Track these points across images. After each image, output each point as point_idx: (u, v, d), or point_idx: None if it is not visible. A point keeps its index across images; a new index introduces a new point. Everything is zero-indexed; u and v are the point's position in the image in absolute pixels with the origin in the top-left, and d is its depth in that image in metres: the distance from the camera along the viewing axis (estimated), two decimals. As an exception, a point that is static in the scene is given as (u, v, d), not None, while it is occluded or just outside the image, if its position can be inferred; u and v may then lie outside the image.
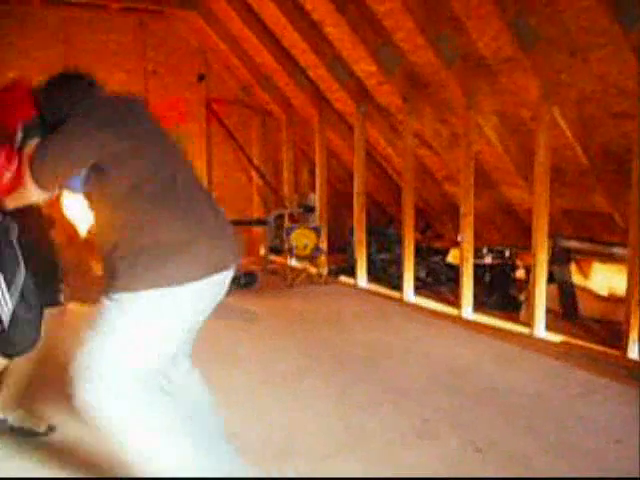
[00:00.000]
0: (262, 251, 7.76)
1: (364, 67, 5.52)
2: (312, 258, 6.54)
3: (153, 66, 7.22)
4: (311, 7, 5.29)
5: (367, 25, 4.95)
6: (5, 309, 2.37)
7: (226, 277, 2.05)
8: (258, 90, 7.33)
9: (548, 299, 4.40)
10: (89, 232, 6.30)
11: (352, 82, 5.82)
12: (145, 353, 1.95)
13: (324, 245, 6.65)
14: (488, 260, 5.40)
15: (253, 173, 7.89)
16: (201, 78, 7.43)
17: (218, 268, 1.98)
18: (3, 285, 2.36)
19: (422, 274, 6.04)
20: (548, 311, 4.39)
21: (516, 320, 4.74)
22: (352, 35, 5.07)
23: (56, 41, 6.76)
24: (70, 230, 6.27)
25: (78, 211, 6.27)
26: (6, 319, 2.38)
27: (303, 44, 5.75)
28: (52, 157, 1.91)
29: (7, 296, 2.38)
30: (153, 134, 2.03)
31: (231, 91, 7.66)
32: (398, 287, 5.66)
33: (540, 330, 4.33)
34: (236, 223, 7.08)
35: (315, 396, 3.35)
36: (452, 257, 6.13)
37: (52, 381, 2.71)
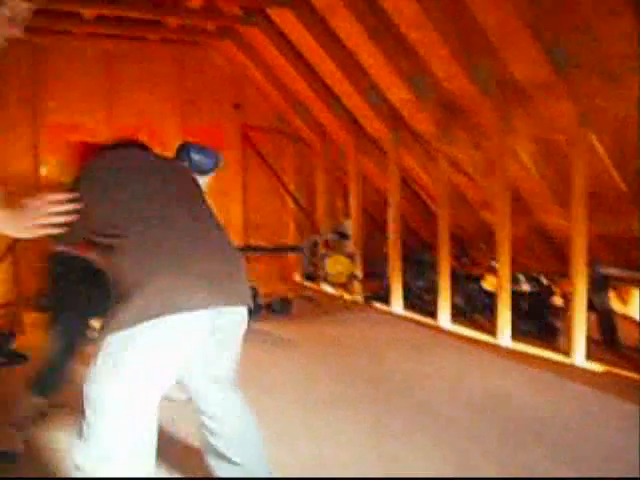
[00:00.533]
0: (297, 277, 7.77)
1: (398, 94, 5.54)
2: (347, 285, 6.52)
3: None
4: (346, 36, 5.35)
5: (402, 53, 4.98)
6: None
7: (199, 317, 1.88)
8: (293, 117, 7.40)
9: (587, 327, 4.31)
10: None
11: (386, 109, 5.85)
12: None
13: (359, 271, 6.63)
14: (525, 287, 5.33)
15: (288, 199, 7.94)
16: (237, 106, 7.53)
17: (181, 308, 1.82)
18: None
19: (458, 301, 5.97)
20: (587, 339, 4.30)
21: (554, 348, 4.64)
22: (387, 63, 5.11)
23: (98, 71, 6.96)
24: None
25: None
26: None
27: (338, 72, 5.81)
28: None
29: None
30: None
31: (266, 118, 7.75)
32: (434, 314, 5.61)
33: (579, 359, 4.24)
34: (271, 250, 7.16)
35: (348, 424, 3.31)
36: (488, 283, 6.05)
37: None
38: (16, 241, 5.41)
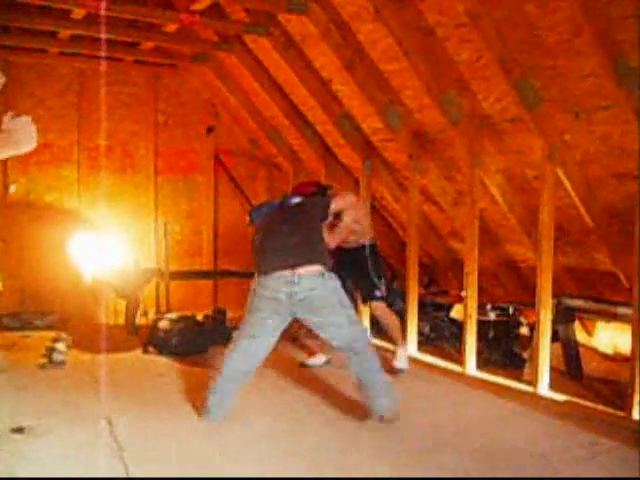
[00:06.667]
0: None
1: (371, 124, 5.62)
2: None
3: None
4: (320, 65, 5.42)
5: (375, 84, 5.07)
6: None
7: (280, 277, 3.74)
8: (266, 143, 7.44)
9: (552, 358, 4.37)
10: (93, 278, 6.31)
11: (359, 138, 5.92)
12: None
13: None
14: (492, 316, 5.38)
15: (259, 224, 7.93)
16: (210, 130, 7.55)
17: (272, 269, 3.79)
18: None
19: (425, 329, 6.01)
20: (552, 370, 4.36)
21: (519, 378, 4.69)
22: (360, 93, 5.19)
23: (71, 91, 6.90)
24: (75, 275, 6.28)
25: (84, 256, 6.30)
26: None
27: (312, 100, 5.87)
28: None
29: None
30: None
31: (239, 143, 7.76)
32: (401, 342, 5.62)
33: (544, 389, 4.29)
34: (241, 275, 7.11)
35: (312, 453, 3.30)
36: (456, 312, 6.10)
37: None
38: None
